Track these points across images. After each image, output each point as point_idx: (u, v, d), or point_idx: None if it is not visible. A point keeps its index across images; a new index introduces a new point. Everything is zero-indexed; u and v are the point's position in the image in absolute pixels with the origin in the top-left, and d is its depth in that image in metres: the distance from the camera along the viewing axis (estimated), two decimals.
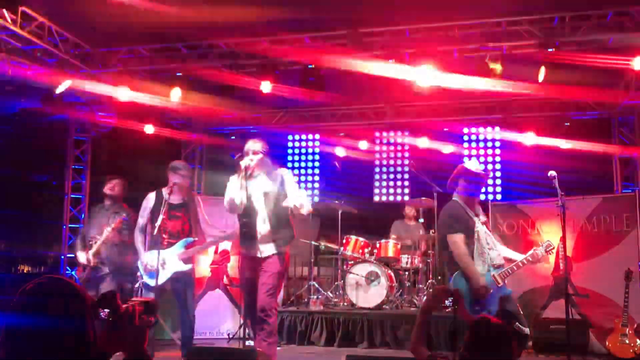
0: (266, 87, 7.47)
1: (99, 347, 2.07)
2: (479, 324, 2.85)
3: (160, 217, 5.46)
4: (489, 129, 9.90)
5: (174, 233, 5.70)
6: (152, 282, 5.51)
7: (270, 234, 4.86)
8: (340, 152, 10.02)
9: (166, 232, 5.64)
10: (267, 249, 4.86)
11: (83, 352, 1.96)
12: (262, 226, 4.86)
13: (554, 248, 4.91)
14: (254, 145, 4.96)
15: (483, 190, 5.02)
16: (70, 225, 9.68)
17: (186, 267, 5.67)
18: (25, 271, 10.99)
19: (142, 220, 5.76)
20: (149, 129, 9.11)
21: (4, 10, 6.47)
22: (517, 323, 4.45)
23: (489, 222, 4.99)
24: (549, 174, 4.78)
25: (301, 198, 4.72)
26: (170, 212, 5.67)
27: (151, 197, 5.80)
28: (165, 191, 5.71)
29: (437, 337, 6.86)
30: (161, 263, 5.49)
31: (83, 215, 9.78)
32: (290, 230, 5.00)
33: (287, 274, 8.84)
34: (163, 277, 5.54)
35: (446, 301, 3.32)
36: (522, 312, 4.74)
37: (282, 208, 4.88)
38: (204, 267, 7.96)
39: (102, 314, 2.18)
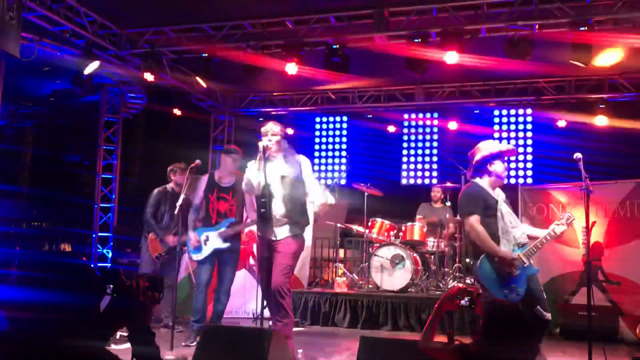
0: (291, 68, 7.42)
1: (103, 322, 2.09)
2: (493, 308, 2.78)
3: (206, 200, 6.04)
4: (521, 111, 9.68)
5: (221, 213, 6.08)
6: (195, 257, 6.08)
7: (285, 217, 4.85)
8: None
9: (215, 212, 6.06)
10: (281, 232, 4.85)
11: (88, 327, 1.97)
12: (278, 209, 4.84)
13: (574, 219, 4.76)
14: (273, 127, 4.93)
15: (505, 173, 4.84)
16: (101, 205, 9.88)
17: (224, 245, 5.98)
18: (66, 250, 11.25)
19: (197, 200, 6.14)
20: (178, 110, 9.19)
21: None
22: (538, 307, 4.34)
23: (510, 203, 4.83)
24: (574, 157, 4.62)
25: (324, 195, 5.01)
26: (220, 194, 6.07)
27: (204, 180, 6.19)
28: (217, 174, 6.16)
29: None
30: (204, 240, 6.00)
31: (114, 195, 9.97)
32: (305, 216, 5.00)
33: (312, 255, 8.97)
34: (205, 252, 6.03)
35: (462, 301, 3.19)
36: (545, 297, 4.62)
37: (299, 193, 4.89)
38: None
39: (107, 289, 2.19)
